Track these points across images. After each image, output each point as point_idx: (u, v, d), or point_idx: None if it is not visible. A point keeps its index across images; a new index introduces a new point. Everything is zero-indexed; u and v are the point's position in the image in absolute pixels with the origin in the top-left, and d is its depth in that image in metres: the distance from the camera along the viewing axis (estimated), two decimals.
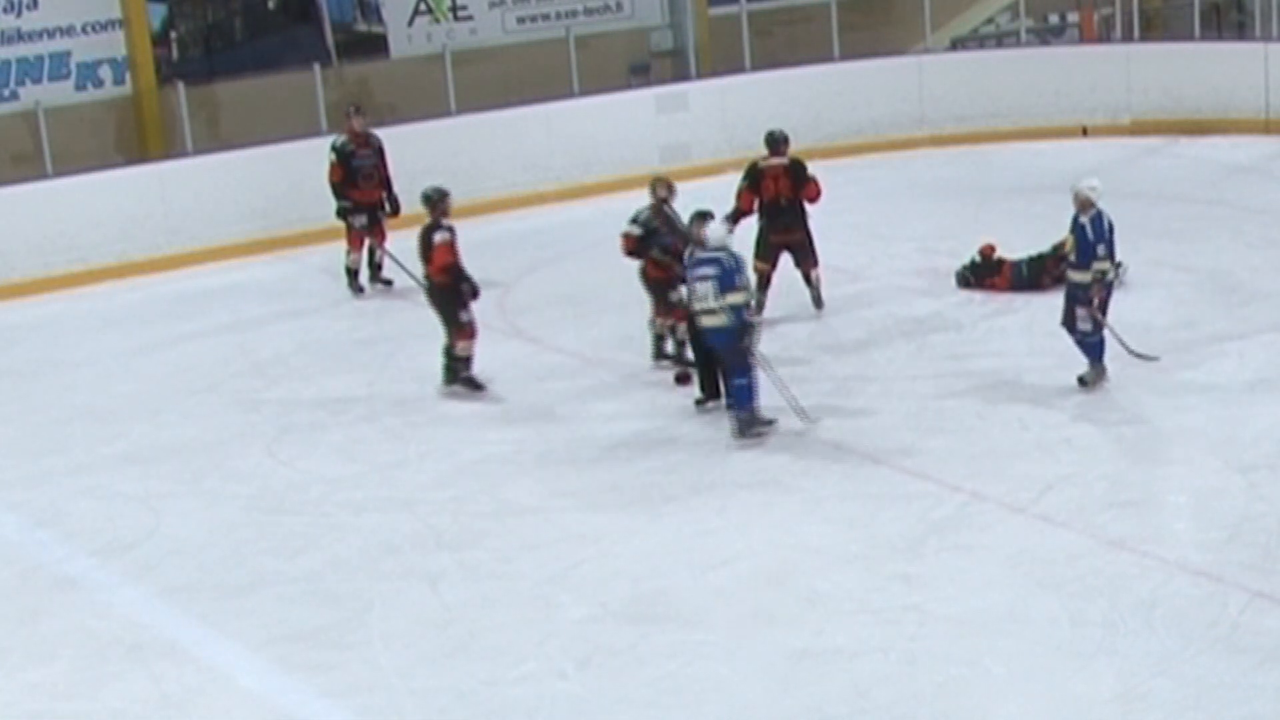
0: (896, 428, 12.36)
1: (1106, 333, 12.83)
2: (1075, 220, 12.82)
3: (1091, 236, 12.66)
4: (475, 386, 13.57)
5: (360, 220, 16.24)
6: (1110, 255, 12.70)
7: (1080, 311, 12.74)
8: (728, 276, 12.19)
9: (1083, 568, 9.98)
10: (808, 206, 14.76)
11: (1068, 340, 13.35)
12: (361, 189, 16.31)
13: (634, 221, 13.56)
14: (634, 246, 13.53)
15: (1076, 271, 12.82)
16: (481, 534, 11.05)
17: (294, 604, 10.23)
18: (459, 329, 13.51)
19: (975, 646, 9.19)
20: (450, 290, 13.46)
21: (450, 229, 13.45)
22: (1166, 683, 8.71)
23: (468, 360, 13.58)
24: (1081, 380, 12.79)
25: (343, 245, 16.61)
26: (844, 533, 10.74)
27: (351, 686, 9.25)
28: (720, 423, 12.58)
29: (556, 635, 9.62)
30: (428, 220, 13.57)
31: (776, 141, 14.91)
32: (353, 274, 16.51)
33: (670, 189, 13.68)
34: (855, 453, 11.95)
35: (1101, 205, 12.70)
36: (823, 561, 10.33)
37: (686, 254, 12.63)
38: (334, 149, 16.36)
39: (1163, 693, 8.63)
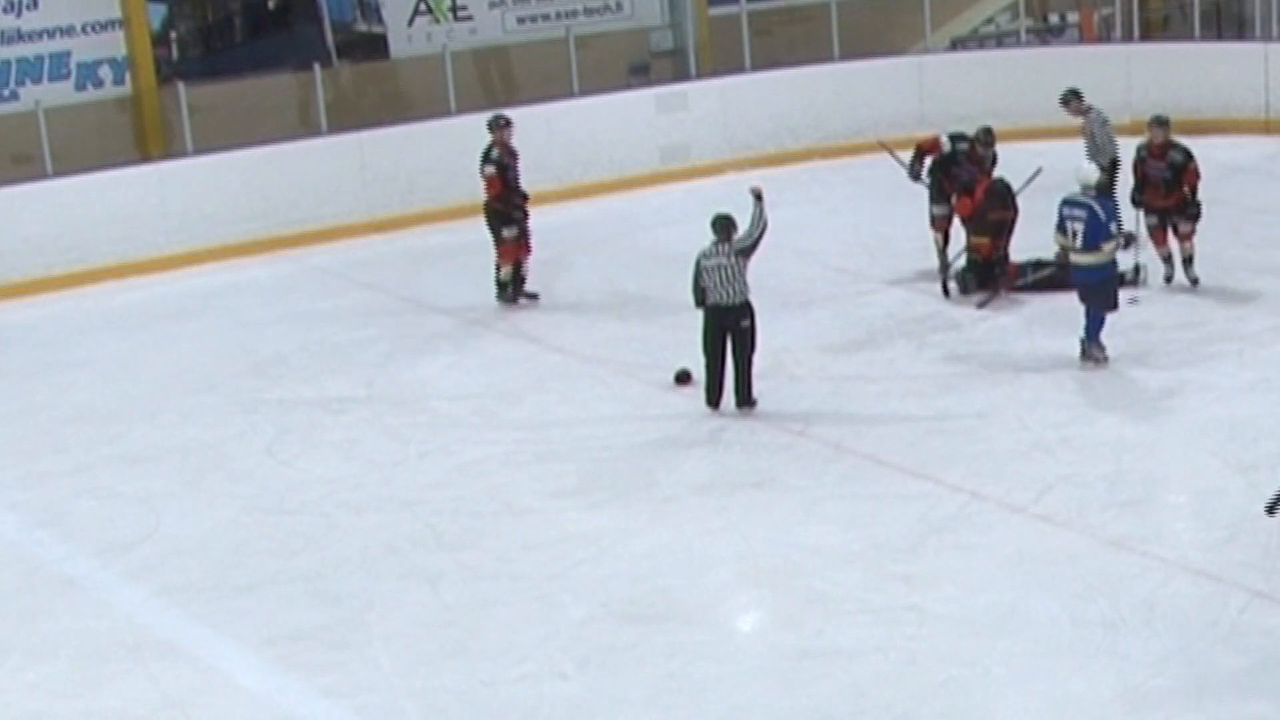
0: (896, 428, 12.36)
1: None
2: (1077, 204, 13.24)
3: (1103, 216, 13.10)
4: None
5: (512, 232, 15.93)
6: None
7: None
8: (1097, 225, 13.00)
9: (1083, 568, 9.98)
10: None
11: (1067, 340, 13.34)
12: (515, 202, 15.95)
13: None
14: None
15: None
16: (481, 534, 11.04)
17: (294, 604, 10.23)
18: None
19: (975, 646, 9.19)
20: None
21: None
22: (1166, 683, 8.71)
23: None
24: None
25: (338, 245, 16.48)
26: (844, 533, 10.73)
27: (351, 686, 9.25)
28: (720, 423, 12.60)
29: (556, 635, 9.62)
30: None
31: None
32: (503, 286, 15.97)
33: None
34: (855, 453, 11.95)
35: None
36: (823, 561, 10.33)
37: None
38: (491, 160, 15.72)
39: (1163, 693, 8.63)
